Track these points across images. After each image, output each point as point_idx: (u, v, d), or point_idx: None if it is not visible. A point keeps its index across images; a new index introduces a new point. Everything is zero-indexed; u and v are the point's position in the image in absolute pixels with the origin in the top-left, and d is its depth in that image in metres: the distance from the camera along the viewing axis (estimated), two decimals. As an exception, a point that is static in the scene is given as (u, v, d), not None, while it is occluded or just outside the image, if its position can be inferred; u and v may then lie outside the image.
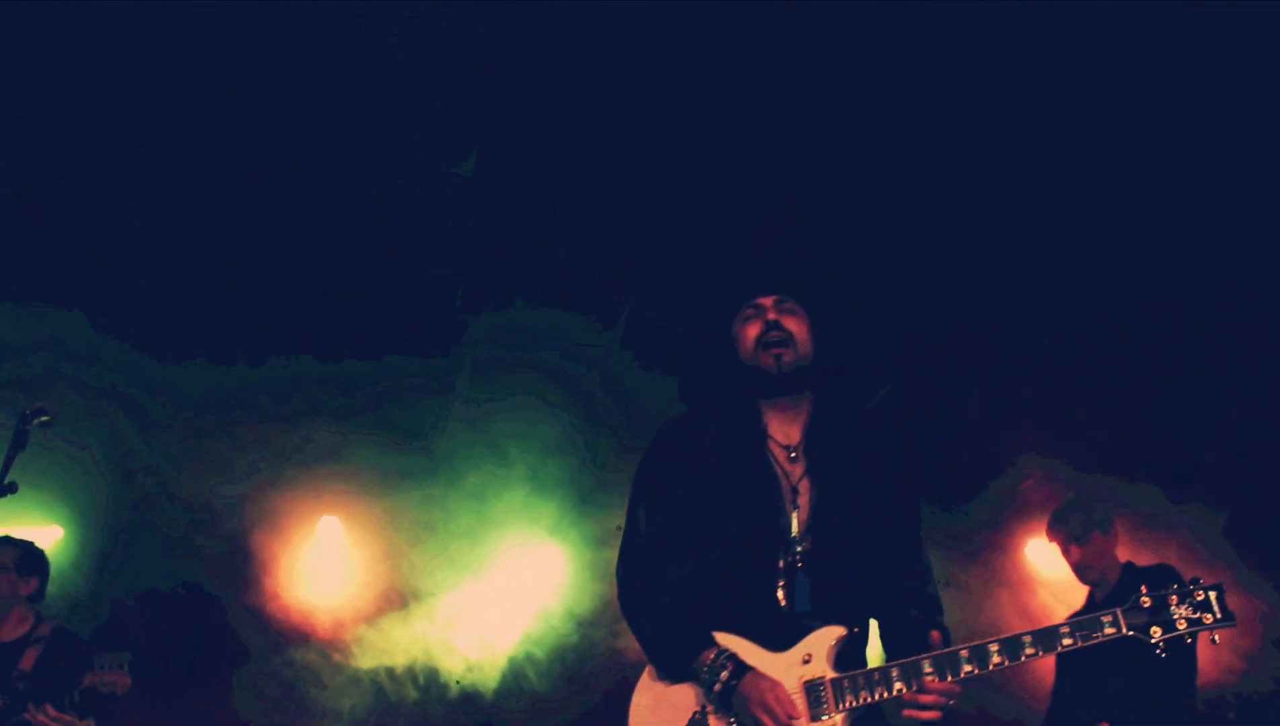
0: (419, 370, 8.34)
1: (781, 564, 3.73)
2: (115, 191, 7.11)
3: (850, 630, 3.68)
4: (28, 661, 6.12)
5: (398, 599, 9.13)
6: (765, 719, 3.52)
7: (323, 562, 9.13)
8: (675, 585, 3.85)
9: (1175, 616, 3.50)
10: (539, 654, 9.07)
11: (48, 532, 8.92)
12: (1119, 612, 3.53)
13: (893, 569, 3.87)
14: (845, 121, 6.49)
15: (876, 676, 3.58)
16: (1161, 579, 5.98)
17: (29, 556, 6.51)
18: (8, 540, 6.53)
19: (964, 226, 7.73)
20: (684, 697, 3.72)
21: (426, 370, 8.37)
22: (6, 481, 4.41)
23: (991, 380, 9.22)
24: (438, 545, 8.96)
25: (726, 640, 3.70)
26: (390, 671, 9.06)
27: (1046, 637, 3.54)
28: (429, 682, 9.12)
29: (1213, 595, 3.50)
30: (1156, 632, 3.49)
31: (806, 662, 3.64)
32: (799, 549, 3.75)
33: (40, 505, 8.80)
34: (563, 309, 7.81)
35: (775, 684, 3.57)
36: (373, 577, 9.18)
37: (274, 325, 8.13)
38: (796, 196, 6.96)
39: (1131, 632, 3.51)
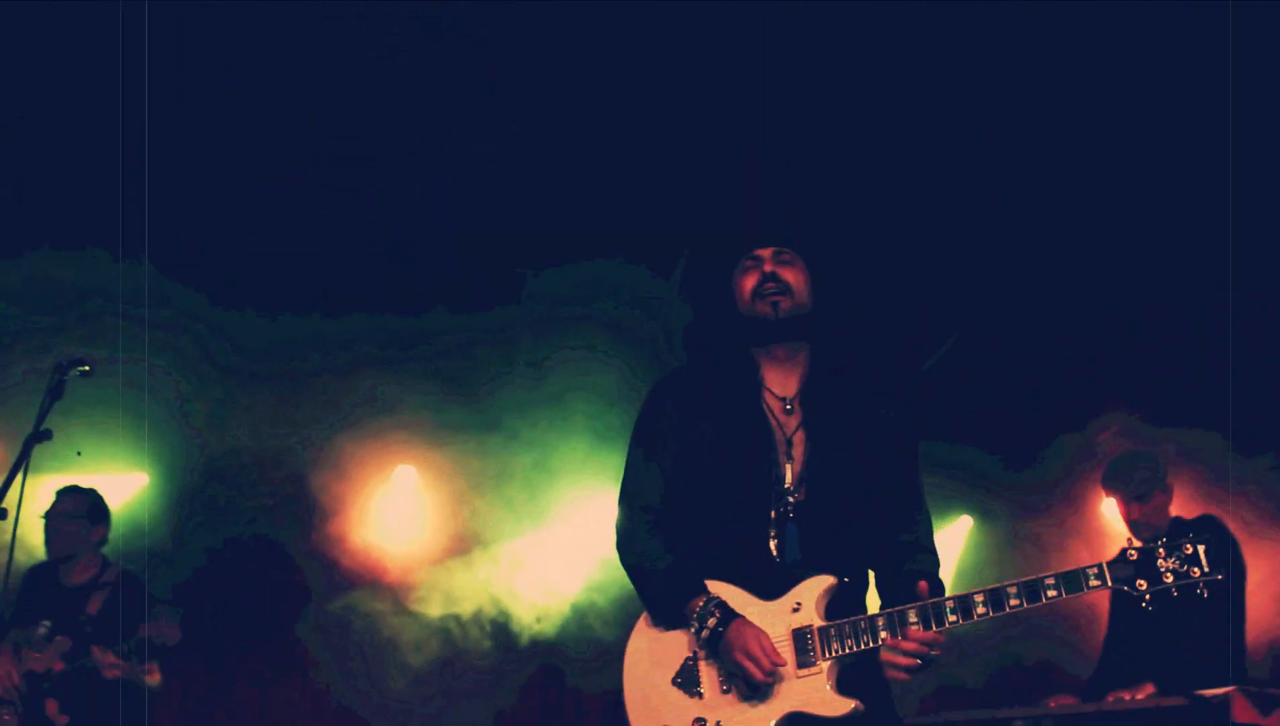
0: (480, 325, 8.48)
1: (773, 514, 3.78)
2: (185, 151, 7.32)
3: (840, 579, 3.72)
4: (94, 605, 6.40)
5: (462, 546, 9.35)
6: (748, 665, 3.58)
7: (392, 509, 9.39)
8: (669, 533, 3.92)
9: (1161, 570, 3.48)
10: (603, 602, 9.21)
11: (133, 479, 9.27)
12: (1104, 565, 3.53)
13: (888, 521, 3.90)
14: (886, 62, 6.44)
15: (863, 625, 3.63)
16: (1203, 530, 5.96)
17: (98, 505, 6.80)
18: (76, 489, 6.81)
19: (1038, 172, 7.62)
20: (677, 644, 3.80)
21: (487, 324, 8.51)
22: (42, 428, 4.56)
23: (1067, 331, 9.09)
24: (500, 494, 9.15)
25: (717, 588, 3.77)
26: (457, 617, 9.28)
27: (1031, 588, 3.54)
28: (494, 628, 9.33)
29: (1200, 549, 3.48)
30: (1142, 585, 3.48)
31: (796, 610, 3.69)
32: (790, 499, 3.79)
33: (126, 450, 9.11)
34: (620, 260, 7.85)
35: (760, 632, 3.63)
36: (439, 524, 9.43)
37: (341, 277, 8.32)
38: (826, 141, 6.93)
39: (1116, 585, 3.50)
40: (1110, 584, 3.50)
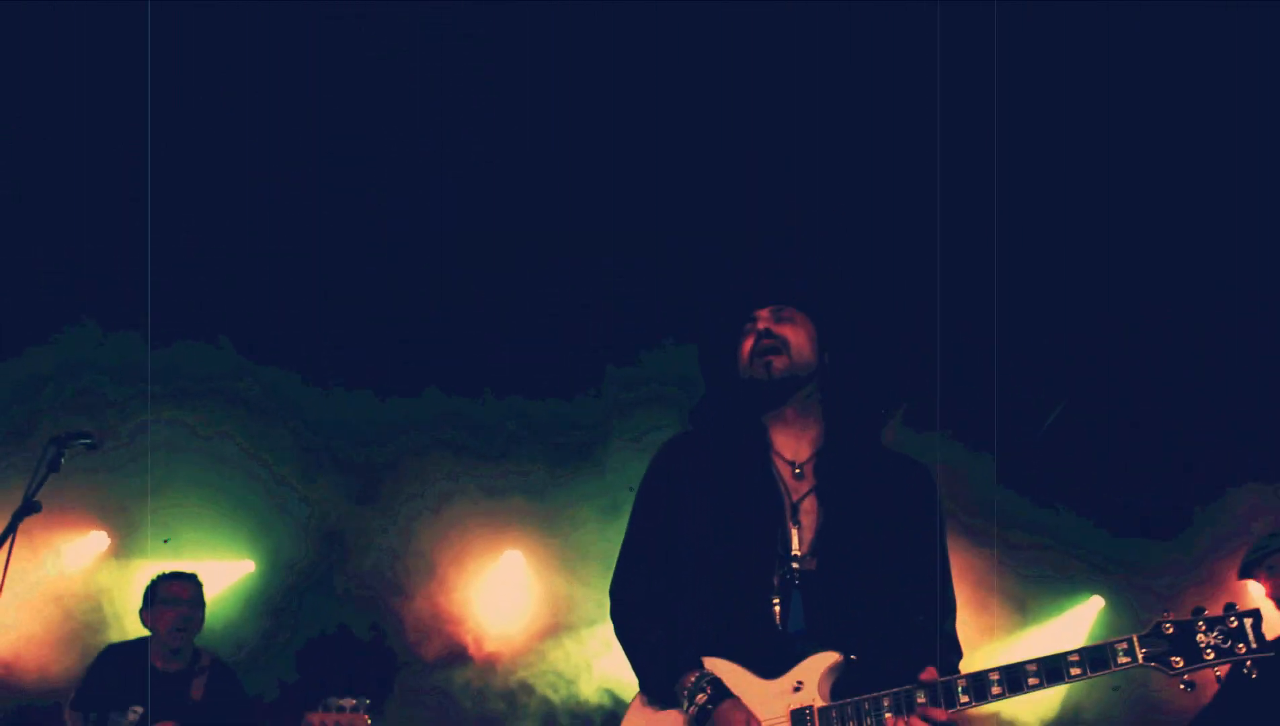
0: (563, 411, 8.50)
1: (777, 581, 3.50)
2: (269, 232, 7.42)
3: (846, 656, 3.39)
4: (197, 692, 6.22)
5: (557, 628, 9.19)
6: None
7: (496, 593, 9.35)
8: (665, 605, 3.66)
9: (1201, 646, 3.08)
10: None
11: (239, 566, 9.32)
12: (1134, 639, 3.15)
13: (903, 598, 3.58)
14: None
15: (866, 705, 3.30)
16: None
17: (202, 590, 6.63)
18: (188, 576, 6.60)
19: (1164, 225, 7.24)
20: (671, 723, 3.50)
21: (569, 412, 8.53)
22: (33, 500, 4.53)
23: (1198, 400, 8.56)
24: (594, 576, 8.97)
25: (714, 664, 3.49)
26: (552, 695, 9.12)
27: (1053, 666, 3.17)
28: (587, 708, 9.12)
29: (1248, 622, 3.08)
30: (1178, 662, 3.09)
31: (797, 690, 3.39)
32: (795, 566, 3.52)
33: (233, 536, 9.19)
34: (670, 342, 7.77)
35: (750, 714, 3.33)
36: (538, 607, 9.35)
37: (433, 362, 8.39)
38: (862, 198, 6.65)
39: (1149, 663, 3.11)
40: (1141, 660, 3.12)
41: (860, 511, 3.60)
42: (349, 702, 5.60)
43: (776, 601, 3.50)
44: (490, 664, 9.14)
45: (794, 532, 3.58)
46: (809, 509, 3.62)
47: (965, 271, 7.39)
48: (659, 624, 3.66)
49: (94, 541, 9.04)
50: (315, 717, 5.63)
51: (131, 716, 5.96)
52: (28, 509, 4.56)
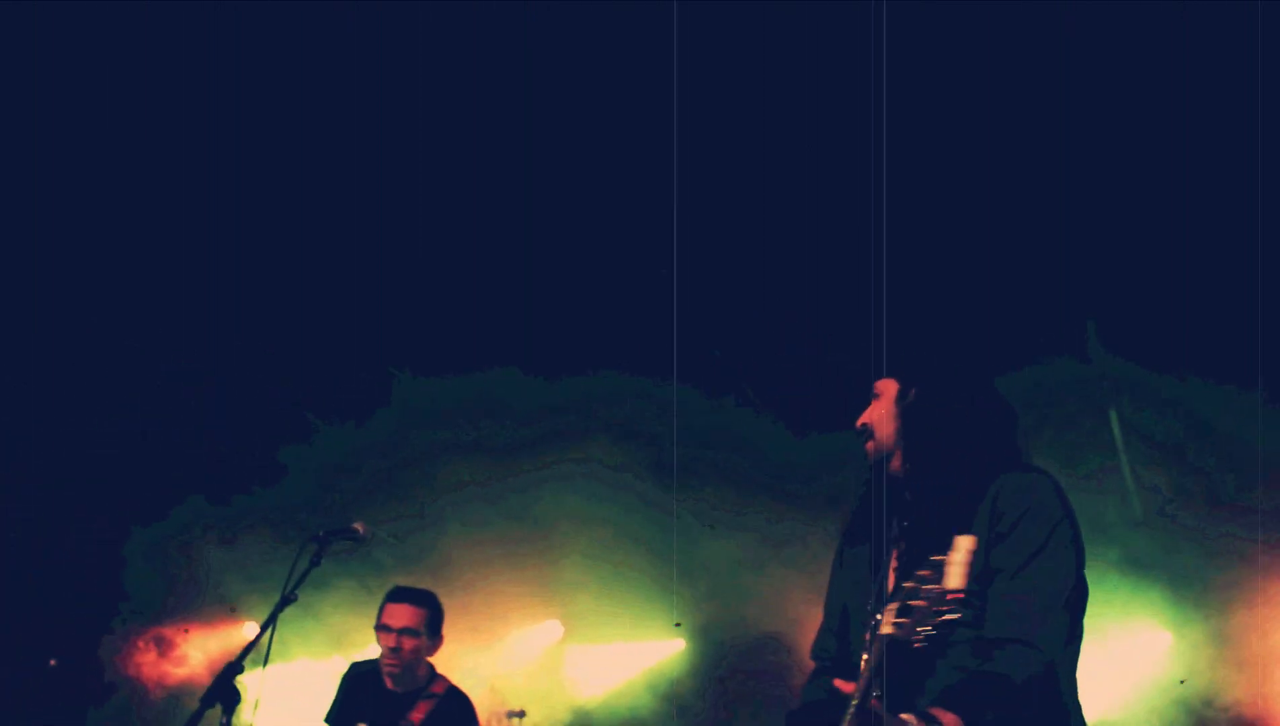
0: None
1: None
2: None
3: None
4: (418, 714, 5.89)
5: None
6: None
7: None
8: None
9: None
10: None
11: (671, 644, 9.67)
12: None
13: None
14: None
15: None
16: None
17: (437, 614, 6.04)
18: (410, 593, 6.05)
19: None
20: None
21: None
22: (290, 593, 4.83)
23: None
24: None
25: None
26: None
27: None
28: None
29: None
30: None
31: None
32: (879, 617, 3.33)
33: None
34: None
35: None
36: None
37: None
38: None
39: None
40: None
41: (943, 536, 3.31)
42: None
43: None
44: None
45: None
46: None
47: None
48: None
49: (548, 630, 9.71)
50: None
51: None
52: (285, 603, 4.82)
